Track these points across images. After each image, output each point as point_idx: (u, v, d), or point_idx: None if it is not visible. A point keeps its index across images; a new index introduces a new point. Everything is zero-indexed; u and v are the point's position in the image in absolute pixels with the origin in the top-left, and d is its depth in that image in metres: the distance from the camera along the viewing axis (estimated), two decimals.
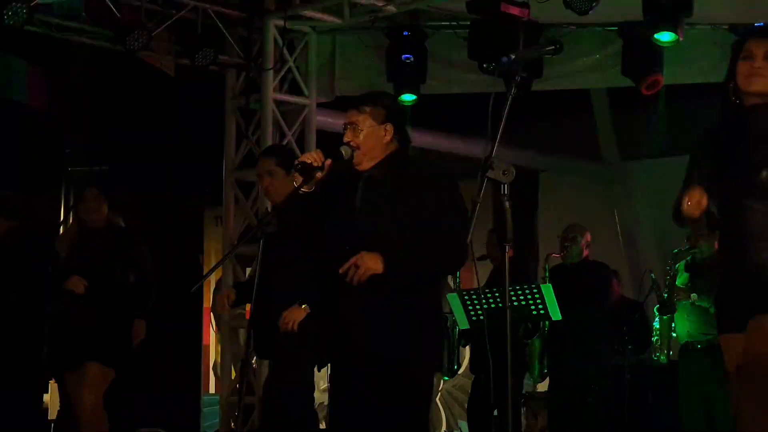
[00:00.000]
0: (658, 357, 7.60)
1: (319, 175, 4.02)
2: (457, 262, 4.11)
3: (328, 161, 4.04)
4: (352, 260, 3.95)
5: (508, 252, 3.36)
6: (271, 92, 8.80)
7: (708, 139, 3.86)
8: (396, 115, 4.23)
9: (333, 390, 4.24)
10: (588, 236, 7.59)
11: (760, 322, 3.67)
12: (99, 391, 6.12)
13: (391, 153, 4.18)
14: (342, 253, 4.01)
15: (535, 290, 6.69)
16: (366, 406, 4.04)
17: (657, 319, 7.33)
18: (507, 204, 3.29)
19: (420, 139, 9.45)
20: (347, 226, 4.11)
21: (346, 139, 4.16)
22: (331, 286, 4.11)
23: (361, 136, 4.13)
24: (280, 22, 8.69)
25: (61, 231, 6.04)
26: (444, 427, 11.17)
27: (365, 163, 4.15)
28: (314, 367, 5.34)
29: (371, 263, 3.94)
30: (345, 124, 4.20)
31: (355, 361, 4.06)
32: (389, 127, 4.17)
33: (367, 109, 4.17)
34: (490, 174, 3.30)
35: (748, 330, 3.70)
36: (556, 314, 6.95)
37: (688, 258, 7.02)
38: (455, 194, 4.10)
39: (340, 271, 3.97)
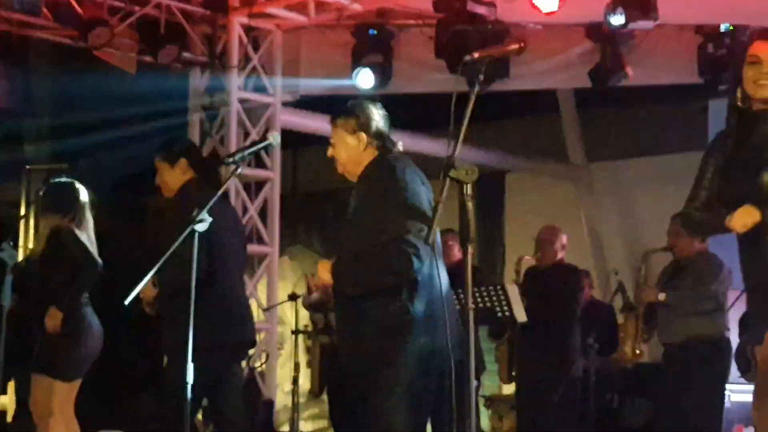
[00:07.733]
0: (622, 358, 7.57)
1: None
2: (403, 268, 3.92)
3: None
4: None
5: (470, 252, 3.34)
6: (236, 91, 8.72)
7: (718, 142, 3.87)
8: (368, 123, 4.20)
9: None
10: (563, 239, 7.51)
11: None
12: (48, 401, 5.77)
13: (371, 161, 4.19)
14: None
15: (500, 291, 6.64)
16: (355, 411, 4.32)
17: (623, 319, 7.29)
18: (469, 204, 3.29)
19: None
20: (339, 237, 4.25)
21: (329, 154, 4.28)
22: None
23: (336, 149, 4.25)
24: (245, 20, 8.63)
25: (21, 227, 5.78)
26: None
27: (351, 174, 4.25)
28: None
29: (322, 272, 4.10)
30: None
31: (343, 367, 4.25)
32: (362, 136, 4.18)
33: (338, 121, 4.25)
34: (452, 174, 3.28)
35: (765, 340, 3.70)
36: (521, 316, 6.89)
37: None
38: (399, 192, 3.97)
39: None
